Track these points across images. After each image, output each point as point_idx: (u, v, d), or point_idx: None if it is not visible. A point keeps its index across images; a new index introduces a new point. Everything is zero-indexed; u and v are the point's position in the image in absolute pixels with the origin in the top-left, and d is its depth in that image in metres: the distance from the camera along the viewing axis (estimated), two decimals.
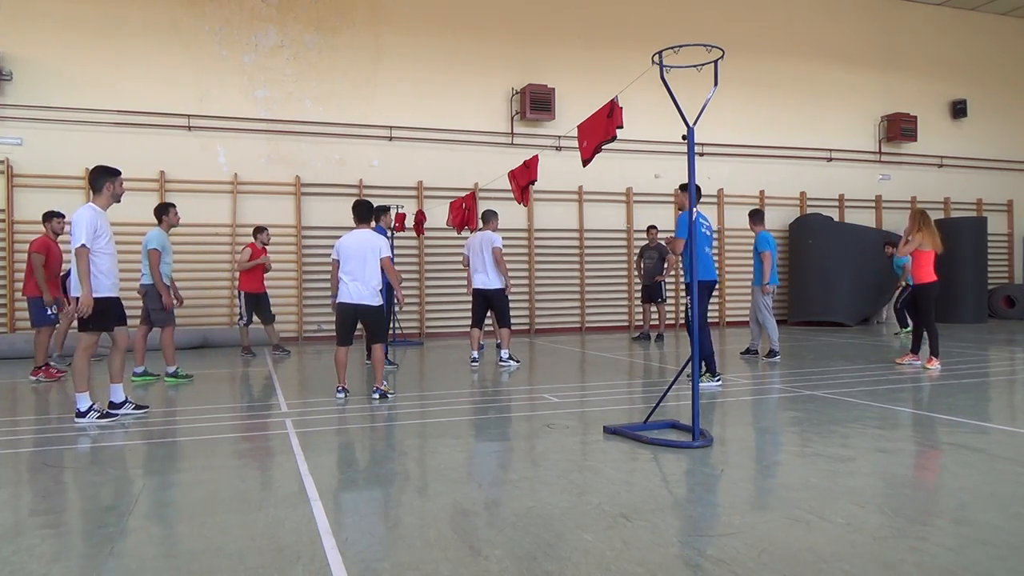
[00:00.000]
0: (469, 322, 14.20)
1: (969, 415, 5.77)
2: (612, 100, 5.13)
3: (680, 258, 7.81)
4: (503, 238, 12.81)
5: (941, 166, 17.79)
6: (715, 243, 15.83)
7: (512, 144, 14.46)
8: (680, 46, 4.66)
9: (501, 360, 9.14)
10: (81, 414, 5.80)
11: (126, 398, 6.21)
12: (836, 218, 16.40)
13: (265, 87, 13.15)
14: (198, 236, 12.57)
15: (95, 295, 5.77)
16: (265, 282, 11.02)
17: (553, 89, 14.35)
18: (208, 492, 3.91)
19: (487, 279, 9.07)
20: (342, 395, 6.82)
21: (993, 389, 7.34)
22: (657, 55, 4.73)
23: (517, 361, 9.30)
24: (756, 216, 9.77)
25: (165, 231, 8.27)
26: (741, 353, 9.99)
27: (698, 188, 7.30)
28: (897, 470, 4.27)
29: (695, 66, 4.92)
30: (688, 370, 5.17)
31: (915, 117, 17.10)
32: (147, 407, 6.31)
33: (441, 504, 3.63)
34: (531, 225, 14.52)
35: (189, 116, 12.62)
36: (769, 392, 7.15)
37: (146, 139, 12.38)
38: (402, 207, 12.34)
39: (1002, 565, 2.77)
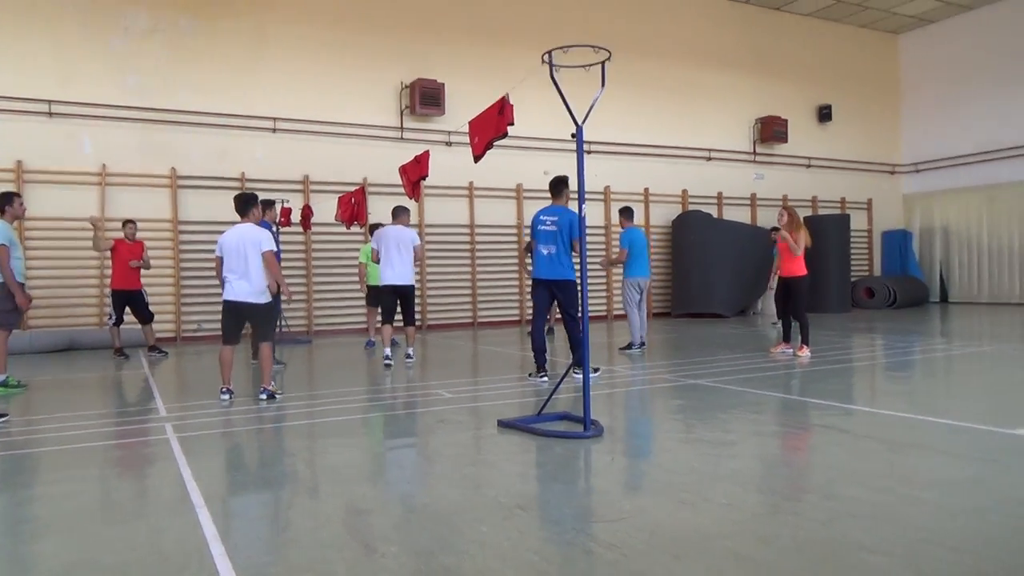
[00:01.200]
0: (358, 318, 14.18)
1: (836, 398, 6.20)
2: (503, 97, 5.17)
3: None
4: None
5: (809, 166, 18.99)
6: (589, 239, 16.25)
7: (402, 139, 14.29)
8: (569, 46, 4.75)
9: (408, 357, 8.98)
10: None
11: None
12: (715, 215, 17.19)
13: (136, 73, 12.40)
14: (62, 231, 11.71)
15: None
16: (141, 279, 10.40)
17: (443, 84, 14.29)
18: (79, 504, 3.66)
19: (403, 275, 8.74)
20: (227, 396, 6.54)
21: (857, 374, 7.91)
22: (547, 54, 4.81)
23: (411, 358, 9.18)
24: (626, 213, 10.11)
25: (9, 223, 7.43)
26: (620, 348, 9.99)
27: (564, 180, 7.51)
28: (773, 451, 4.54)
29: (583, 66, 5.02)
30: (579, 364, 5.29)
31: (786, 120, 18.17)
32: (6, 415, 5.84)
33: (334, 504, 3.55)
34: (422, 220, 14.42)
35: (50, 102, 11.74)
36: (654, 382, 7.42)
37: (1, 126, 11.43)
38: (288, 201, 11.95)
39: (868, 534, 2.99)
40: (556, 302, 7.51)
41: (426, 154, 7.46)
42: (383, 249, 8.77)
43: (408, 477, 4.07)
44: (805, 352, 8.86)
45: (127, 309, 10.20)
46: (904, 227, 20.26)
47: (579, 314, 7.07)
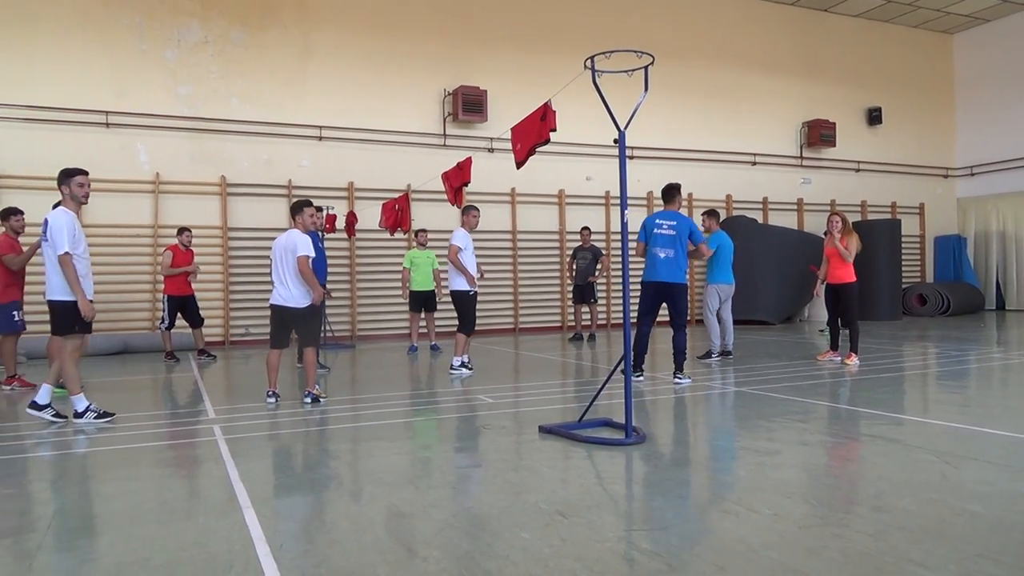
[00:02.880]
0: (401, 324, 14.31)
1: (885, 408, 6.05)
2: (546, 103, 5.18)
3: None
4: (438, 241, 12.84)
5: (858, 171, 18.59)
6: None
7: (444, 146, 14.41)
8: (612, 51, 4.73)
9: (452, 368, 8.65)
10: (78, 414, 5.88)
11: (50, 403, 6.10)
12: (760, 220, 16.93)
13: (188, 84, 12.75)
14: (118, 238, 12.08)
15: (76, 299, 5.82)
16: (192, 285, 10.66)
17: (485, 91, 14.37)
18: (132, 503, 3.76)
19: (457, 281, 8.50)
20: (272, 400, 6.66)
21: (907, 383, 7.70)
22: (589, 60, 4.80)
23: (469, 369, 8.78)
24: (713, 215, 9.89)
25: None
26: (699, 357, 9.58)
27: (677, 187, 7.72)
28: (819, 461, 4.44)
29: (626, 71, 5.01)
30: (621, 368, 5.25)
31: (834, 123, 17.82)
32: (113, 413, 6.13)
33: (377, 508, 3.59)
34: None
35: (107, 113, 12.13)
36: (699, 390, 7.33)
37: (61, 137, 11.83)
38: (333, 208, 12.15)
39: (918, 548, 2.91)
40: (664, 305, 7.71)
41: (468, 160, 7.51)
42: (465, 252, 8.41)
43: (450, 482, 4.09)
44: (854, 360, 8.67)
45: (179, 314, 10.46)
46: (958, 232, 19.67)
47: (686, 320, 7.56)
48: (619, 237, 16.82)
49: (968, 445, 4.64)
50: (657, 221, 7.54)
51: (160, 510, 3.62)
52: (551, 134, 5.19)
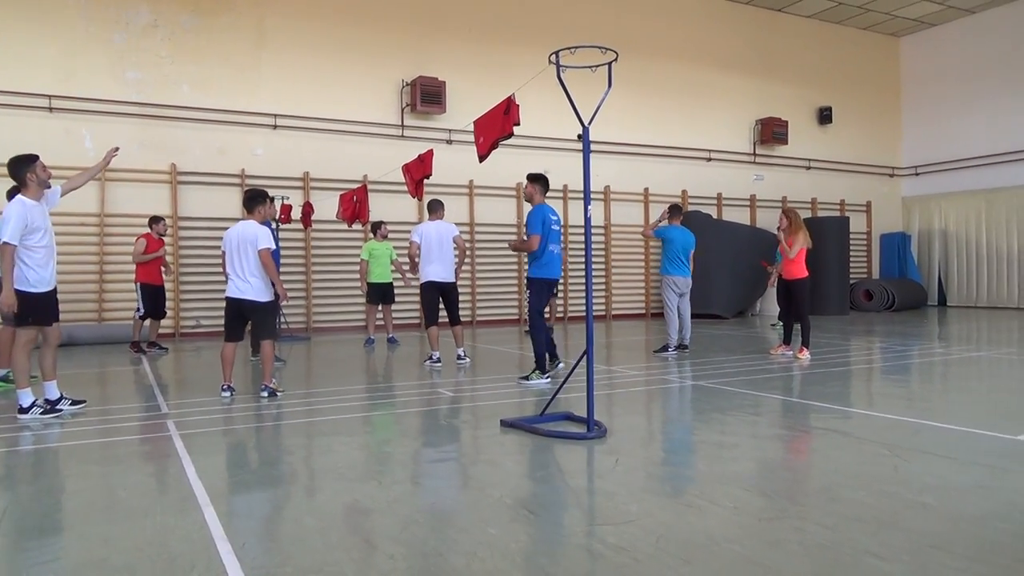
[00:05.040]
0: (356, 316, 14.16)
1: (837, 401, 6.22)
2: (509, 97, 5.16)
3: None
4: (393, 232, 12.73)
5: (809, 168, 19.02)
6: (600, 238, 16.27)
7: (402, 136, 14.29)
8: (576, 47, 4.74)
9: (460, 359, 8.60)
10: (23, 410, 5.68)
11: (61, 394, 5.96)
12: (715, 215, 17.19)
13: (137, 68, 12.37)
14: (62, 227, 11.65)
15: (33, 290, 5.63)
16: (164, 276, 10.44)
17: (444, 82, 14.27)
18: (85, 502, 3.65)
19: (445, 271, 8.35)
20: (228, 394, 6.53)
21: (856, 377, 7.93)
22: (554, 55, 4.80)
23: (463, 359, 8.70)
24: (674, 210, 9.93)
25: None
26: (655, 351, 9.68)
27: (546, 178, 7.42)
28: (776, 454, 4.54)
29: (589, 67, 5.02)
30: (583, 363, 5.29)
31: (786, 122, 18.18)
32: (84, 401, 6.08)
33: (339, 504, 3.55)
34: (421, 219, 14.38)
35: (51, 97, 11.71)
36: (655, 383, 7.42)
37: (1, 121, 11.38)
38: (288, 198, 11.96)
39: (874, 539, 3.00)
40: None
41: (430, 153, 7.46)
42: (425, 245, 8.29)
43: (413, 477, 4.07)
44: (805, 354, 8.87)
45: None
46: (903, 230, 20.30)
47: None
48: (576, 231, 16.85)
49: (917, 438, 4.79)
50: (552, 216, 7.18)
51: (115, 509, 3.52)
52: (514, 128, 5.16)
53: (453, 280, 8.41)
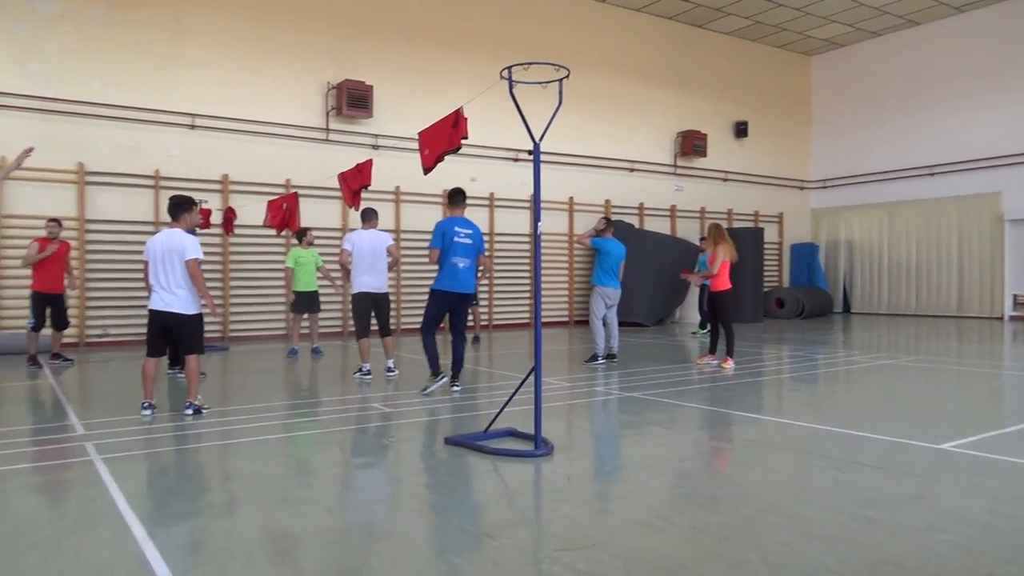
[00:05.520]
0: (276, 325, 13.72)
1: (767, 412, 6.41)
2: (457, 110, 5.09)
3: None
4: (318, 238, 12.41)
5: (726, 180, 19.65)
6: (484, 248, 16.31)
7: (327, 140, 13.96)
8: (529, 63, 4.72)
9: (389, 371, 8.43)
10: None
11: None
12: (637, 225, 17.54)
13: (41, 61, 11.63)
14: None
15: None
16: (65, 282, 9.78)
17: (371, 87, 14.02)
18: (4, 539, 3.36)
19: (377, 281, 8.18)
20: (149, 411, 6.18)
21: (781, 386, 8.22)
22: (506, 70, 4.77)
23: (393, 371, 8.53)
24: (608, 223, 10.11)
25: None
26: (585, 360, 9.73)
27: (456, 193, 7.49)
28: (724, 469, 4.62)
29: (540, 83, 5.01)
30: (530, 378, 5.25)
31: (705, 135, 18.74)
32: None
33: (293, 537, 3.38)
34: (346, 225, 14.11)
35: None
36: (591, 396, 7.47)
37: None
38: (206, 202, 11.48)
39: (831, 556, 3.07)
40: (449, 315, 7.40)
41: (369, 162, 7.28)
42: (357, 255, 8.11)
43: (366, 502, 3.93)
44: (730, 364, 9.13)
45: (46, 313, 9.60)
46: (811, 240, 21.24)
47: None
48: (503, 240, 16.83)
49: (848, 449, 4.96)
50: (456, 228, 7.16)
51: (43, 545, 3.25)
52: (462, 142, 5.09)
53: (385, 291, 8.25)
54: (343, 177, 7.57)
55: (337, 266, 13.54)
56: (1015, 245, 17.34)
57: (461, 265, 7.13)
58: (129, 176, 12.24)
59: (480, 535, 3.35)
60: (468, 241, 7.18)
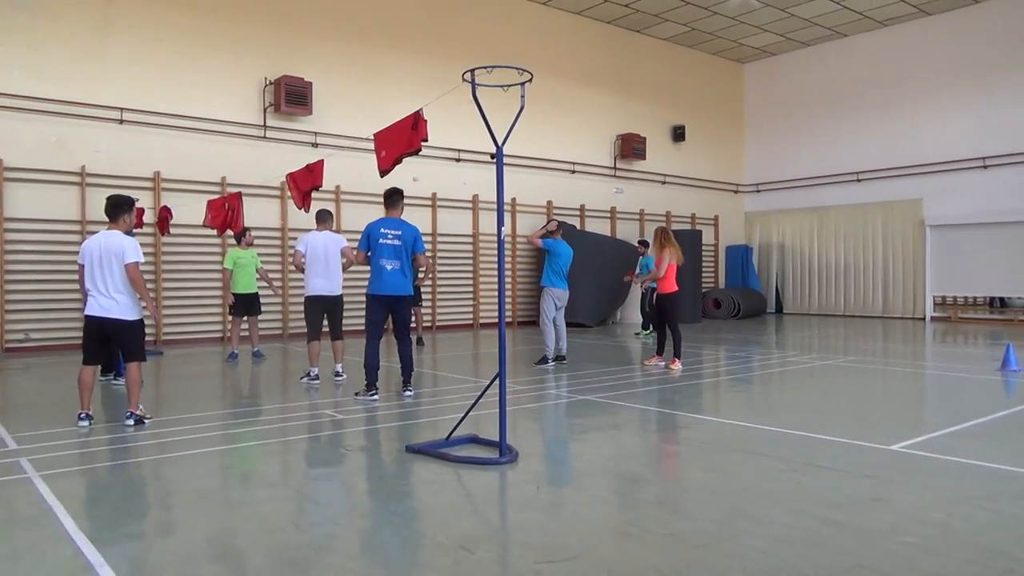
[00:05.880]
0: (211, 327, 13.24)
1: (719, 413, 6.51)
2: (417, 112, 4.99)
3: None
4: (258, 237, 12.06)
5: (664, 183, 19.99)
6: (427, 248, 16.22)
7: (265, 137, 13.58)
8: (492, 67, 4.66)
9: (337, 375, 8.28)
10: None
11: None
12: (578, 226, 17.65)
13: None
14: None
15: None
16: None
17: (311, 83, 13.70)
18: None
19: (330, 285, 8.06)
20: (86, 423, 5.87)
21: (728, 388, 8.37)
22: (469, 73, 4.70)
23: (340, 375, 8.42)
24: (560, 225, 10.15)
25: None
26: (536, 362, 9.68)
27: (400, 192, 7.40)
28: (683, 472, 4.66)
29: (502, 86, 4.96)
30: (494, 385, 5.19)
31: (644, 138, 19.02)
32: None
33: (263, 557, 3.23)
34: (284, 224, 13.76)
35: None
36: (544, 399, 7.46)
37: None
38: (138, 200, 10.97)
39: (806, 561, 3.12)
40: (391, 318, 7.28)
41: (320, 163, 7.09)
42: (310, 257, 7.96)
43: (333, 516, 3.79)
44: (677, 365, 9.26)
45: None
46: (745, 242, 21.81)
47: (417, 333, 6.86)
48: (446, 240, 16.68)
49: (803, 451, 5.06)
50: (382, 230, 7.05)
51: None
52: (422, 144, 4.99)
53: (338, 293, 8.07)
54: (292, 178, 7.35)
55: (276, 268, 13.28)
56: (935, 249, 18.19)
57: (389, 267, 7.01)
58: (52, 172, 11.63)
59: (456, 548, 3.27)
60: (396, 242, 7.04)
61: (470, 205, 16.17)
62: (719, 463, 4.89)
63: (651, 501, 4.01)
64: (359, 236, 7.12)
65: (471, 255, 16.22)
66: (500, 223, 4.78)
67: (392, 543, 3.38)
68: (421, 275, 12.51)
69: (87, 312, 5.90)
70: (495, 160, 4.77)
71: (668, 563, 3.11)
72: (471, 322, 16.25)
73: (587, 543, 3.37)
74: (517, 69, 4.69)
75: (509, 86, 4.87)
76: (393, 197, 7.32)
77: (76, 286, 11.54)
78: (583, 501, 4.08)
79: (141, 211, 10.49)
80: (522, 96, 4.90)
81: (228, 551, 3.31)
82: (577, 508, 3.94)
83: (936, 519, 3.67)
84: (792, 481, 4.36)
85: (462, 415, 5.37)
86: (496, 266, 16.62)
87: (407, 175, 15.10)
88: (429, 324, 15.19)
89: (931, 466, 4.67)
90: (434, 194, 15.53)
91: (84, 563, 3.12)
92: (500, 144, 4.74)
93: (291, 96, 13.43)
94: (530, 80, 4.80)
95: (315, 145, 13.89)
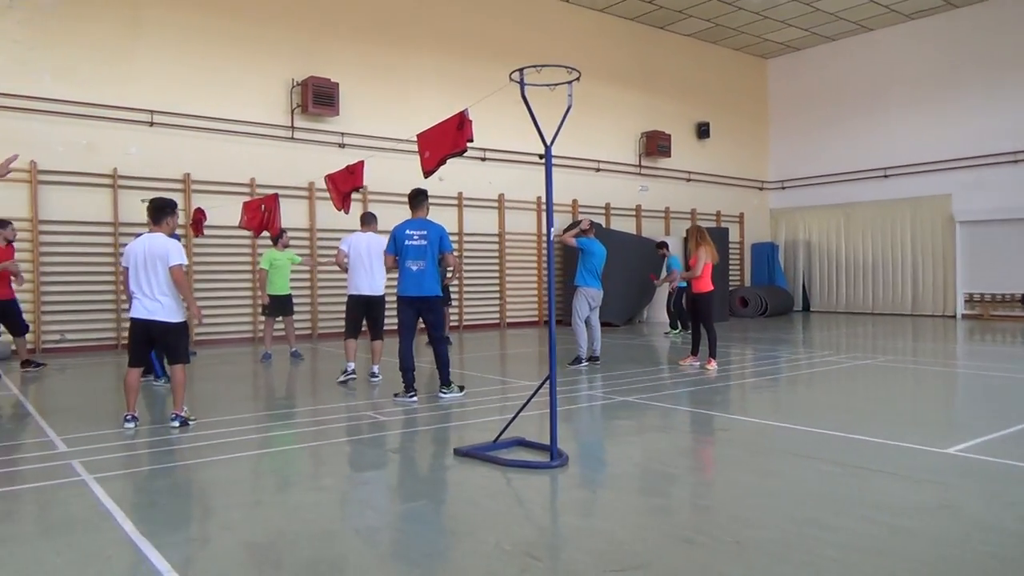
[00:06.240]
0: (243, 327, 13.29)
1: (766, 416, 6.40)
2: (462, 112, 4.95)
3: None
4: (291, 237, 12.08)
5: (689, 180, 19.85)
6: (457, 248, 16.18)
7: (292, 138, 13.62)
8: (541, 66, 4.61)
9: (373, 376, 8.26)
10: None
11: None
12: (604, 225, 17.55)
13: None
14: None
15: None
16: (14, 287, 9.30)
17: (337, 84, 13.71)
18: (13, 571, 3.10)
19: (372, 285, 8.08)
20: (132, 424, 5.90)
21: (770, 388, 8.25)
22: (517, 72, 4.65)
23: (376, 376, 8.37)
24: (592, 225, 10.09)
25: None
26: (569, 363, 9.53)
27: (425, 192, 7.39)
28: (745, 479, 4.56)
29: (549, 85, 4.90)
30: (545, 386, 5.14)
31: (669, 135, 18.89)
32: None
33: (331, 565, 3.20)
34: (312, 225, 13.78)
35: None
36: (582, 400, 7.39)
37: None
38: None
39: (884, 571, 3.04)
40: (422, 320, 7.23)
41: (360, 164, 7.07)
42: (353, 257, 8.01)
43: (390, 522, 3.76)
44: (713, 365, 9.17)
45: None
46: (771, 240, 21.61)
47: (445, 332, 7.17)
48: (471, 240, 16.68)
49: (856, 454, 4.96)
50: (407, 231, 7.08)
51: None
52: (468, 144, 4.95)
53: (380, 294, 8.08)
54: (332, 179, 7.34)
55: (304, 269, 13.29)
56: (966, 245, 17.92)
57: (415, 268, 7.02)
58: (84, 175, 11.73)
59: (522, 555, 3.23)
60: (421, 243, 7.04)
61: (496, 204, 16.13)
62: (772, 467, 4.80)
63: (711, 507, 3.95)
64: (386, 236, 7.15)
65: (497, 254, 16.18)
66: (550, 223, 4.74)
67: (459, 549, 3.34)
68: (449, 274, 12.50)
69: (132, 315, 5.92)
70: (544, 160, 4.70)
71: (740, 572, 3.05)
72: (497, 322, 16.21)
73: (654, 550, 3.32)
74: (566, 68, 4.63)
75: (556, 85, 4.82)
76: (418, 198, 7.32)
77: (110, 287, 11.73)
78: (641, 506, 4.03)
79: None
80: (569, 95, 4.84)
81: (289, 556, 3.28)
82: (638, 515, 3.88)
83: (1009, 527, 3.58)
84: (852, 486, 4.28)
85: (511, 418, 5.32)
86: (523, 265, 16.64)
87: (434, 175, 15.12)
88: (456, 324, 15.17)
89: (993, 471, 4.56)
90: (460, 194, 15.50)
91: (151, 569, 3.10)
92: (549, 144, 4.68)
93: (318, 97, 13.45)
94: (578, 78, 4.74)
95: (342, 146, 13.91)
